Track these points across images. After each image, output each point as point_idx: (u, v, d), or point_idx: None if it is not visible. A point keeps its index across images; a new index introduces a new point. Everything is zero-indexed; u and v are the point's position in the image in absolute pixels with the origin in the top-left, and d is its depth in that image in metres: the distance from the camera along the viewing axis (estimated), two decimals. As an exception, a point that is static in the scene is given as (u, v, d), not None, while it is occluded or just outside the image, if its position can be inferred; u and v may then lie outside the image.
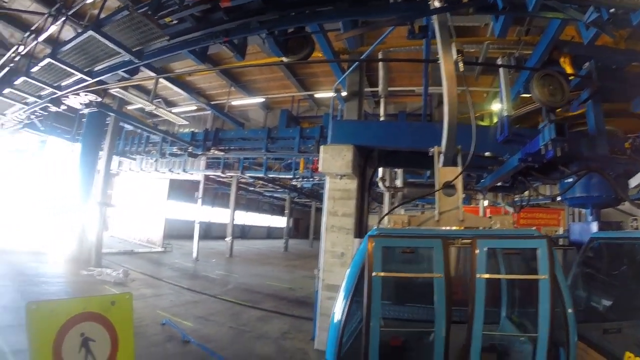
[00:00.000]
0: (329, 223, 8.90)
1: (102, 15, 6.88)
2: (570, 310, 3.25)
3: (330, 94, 11.38)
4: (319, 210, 42.04)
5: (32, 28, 10.75)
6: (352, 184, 8.83)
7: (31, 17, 13.63)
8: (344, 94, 9.94)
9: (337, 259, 8.70)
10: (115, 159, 25.66)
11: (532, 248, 3.32)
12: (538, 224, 15.11)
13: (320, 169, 8.92)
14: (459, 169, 4.52)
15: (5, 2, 13.95)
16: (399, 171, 12.04)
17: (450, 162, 4.76)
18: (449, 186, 4.36)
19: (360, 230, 8.92)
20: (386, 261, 3.54)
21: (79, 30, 7.27)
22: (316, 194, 34.68)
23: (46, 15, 9.72)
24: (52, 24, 9.00)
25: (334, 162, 8.47)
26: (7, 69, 11.65)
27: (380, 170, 11.47)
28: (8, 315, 9.50)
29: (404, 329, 4.76)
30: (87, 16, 7.82)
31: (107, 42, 6.83)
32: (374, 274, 3.38)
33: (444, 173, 4.52)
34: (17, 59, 10.99)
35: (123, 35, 6.82)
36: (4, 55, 12.50)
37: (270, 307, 12.92)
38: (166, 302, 12.78)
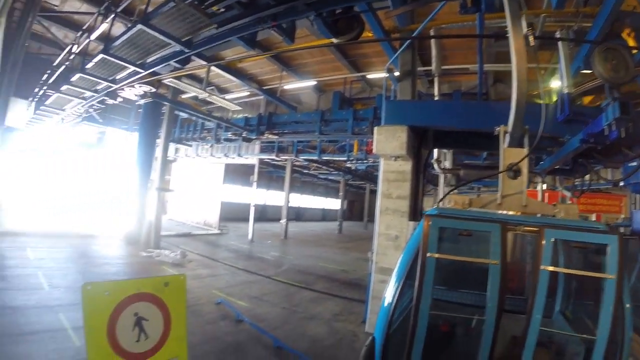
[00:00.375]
0: (383, 205, 8.79)
1: (150, 9, 7.00)
2: (628, 306, 3.04)
3: (382, 75, 11.11)
4: (373, 193, 41.75)
5: (84, 27, 11.26)
6: (407, 166, 8.64)
7: (82, 17, 14.47)
8: (396, 73, 9.67)
9: (391, 242, 8.61)
10: (172, 146, 26.78)
11: (600, 244, 3.09)
12: (598, 211, 14.11)
13: (374, 151, 8.80)
14: (526, 150, 4.28)
15: (57, 6, 14.88)
16: (448, 153, 11.64)
17: (516, 142, 4.48)
18: (513, 168, 4.14)
19: (415, 212, 8.72)
20: (441, 242, 3.42)
21: (129, 25, 7.46)
22: (370, 176, 34.39)
23: (96, 14, 10.12)
24: (102, 22, 9.33)
25: (388, 143, 8.29)
26: (63, 67, 12.37)
27: (435, 151, 11.15)
28: (71, 294, 10.14)
29: (453, 314, 4.59)
30: (136, 11, 8.00)
31: (156, 34, 6.98)
32: (428, 254, 3.29)
33: (509, 154, 4.30)
34: (71, 57, 11.56)
35: (171, 27, 6.94)
36: (59, 55, 13.22)
37: (323, 288, 13.06)
38: (222, 283, 13.19)
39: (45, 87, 15.49)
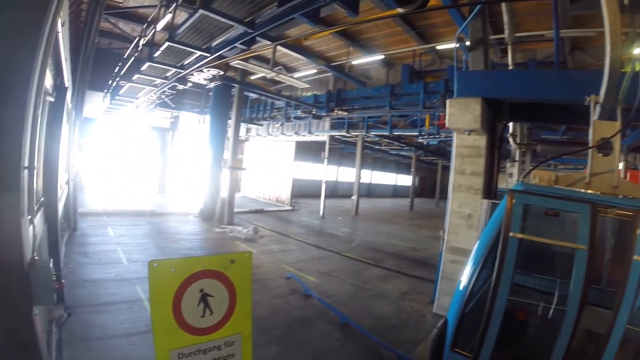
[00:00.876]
0: (456, 182, 8.41)
1: None
2: None
3: (452, 45, 10.45)
4: (445, 169, 40.45)
5: (149, 19, 11.61)
6: (481, 140, 8.15)
7: (147, 10, 15.07)
8: (467, 43, 9.03)
9: (464, 221, 8.23)
10: (243, 126, 27.60)
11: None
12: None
13: (447, 125, 8.42)
14: (618, 124, 3.79)
15: (122, 3, 15.76)
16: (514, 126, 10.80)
17: (607, 115, 3.98)
18: (604, 144, 3.67)
19: (489, 190, 8.25)
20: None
21: (191, 12, 7.56)
22: (442, 151, 33.31)
23: (159, 6, 10.40)
24: (165, 12, 9.56)
25: (462, 116, 7.88)
26: (132, 58, 13.02)
27: (511, 125, 10.43)
28: (147, 268, 10.79)
29: (530, 302, 4.25)
30: (198, -3, 8.11)
31: (217, 17, 6.98)
32: (510, 234, 3.05)
33: (599, 127, 3.82)
34: (140, 48, 12.10)
35: (232, 9, 6.91)
36: (129, 47, 13.94)
37: (392, 266, 12.89)
38: (292, 258, 13.45)
39: (117, 79, 16.50)
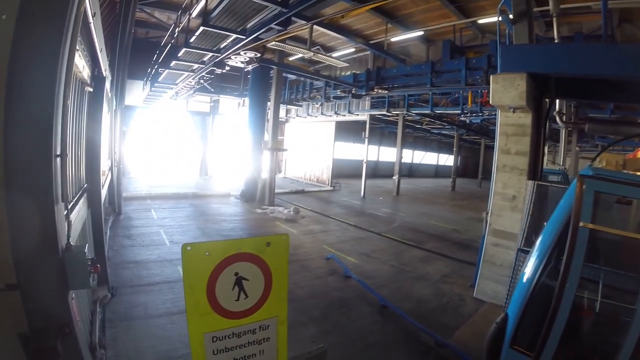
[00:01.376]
0: (501, 162, 8.10)
1: None
2: None
3: (494, 19, 9.91)
4: (488, 148, 39.09)
5: (183, 6, 11.78)
6: (527, 118, 7.78)
7: None
8: (510, 16, 8.53)
9: (508, 202, 7.94)
10: (283, 107, 27.64)
11: None
12: None
13: (490, 102, 8.10)
14: None
15: None
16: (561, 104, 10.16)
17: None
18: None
19: (535, 171, 7.90)
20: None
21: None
22: (485, 130, 32.21)
23: None
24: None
25: (506, 93, 7.55)
26: (169, 46, 13.25)
27: (557, 102, 9.87)
28: None
29: (594, 298, 3.96)
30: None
31: (251, -2, 6.95)
32: (580, 224, 2.83)
33: None
34: (175, 35, 12.27)
35: (265, -12, 6.87)
36: (165, 35, 14.16)
37: (433, 248, 12.68)
38: (332, 238, 13.46)
39: (156, 66, 16.85)
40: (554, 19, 8.76)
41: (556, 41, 8.79)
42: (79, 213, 5.25)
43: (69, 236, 2.72)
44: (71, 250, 2.56)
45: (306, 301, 7.89)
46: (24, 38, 2.07)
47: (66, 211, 2.69)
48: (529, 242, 6.99)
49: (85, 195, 6.18)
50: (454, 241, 13.15)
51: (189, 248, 2.28)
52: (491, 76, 7.93)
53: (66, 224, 2.69)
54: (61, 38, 2.21)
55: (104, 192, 8.69)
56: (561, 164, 12.16)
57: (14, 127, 2.10)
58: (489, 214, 8.27)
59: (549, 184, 7.81)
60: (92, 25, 4.30)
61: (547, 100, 8.21)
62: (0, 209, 2.08)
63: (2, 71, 2.03)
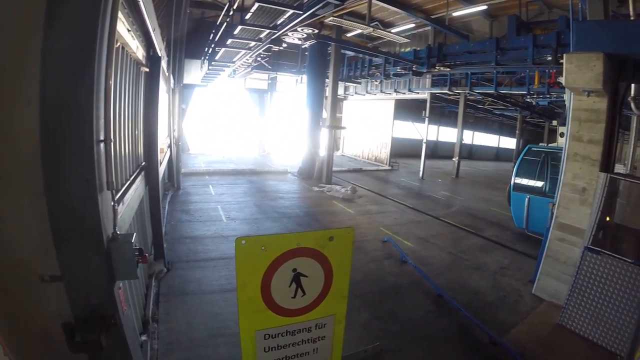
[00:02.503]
0: (571, 150, 7.45)
1: None
2: None
3: None
4: (552, 132, 36.76)
5: None
6: (602, 103, 7.03)
7: None
8: None
9: (577, 195, 7.33)
10: (341, 85, 27.27)
11: None
12: None
13: (564, 83, 7.41)
14: None
15: None
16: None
17: None
18: None
19: (608, 162, 7.18)
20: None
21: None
22: (550, 113, 30.11)
23: None
24: None
25: (581, 74, 6.85)
26: (225, 24, 13.17)
27: (632, 87, 8.94)
28: (245, 226, 11.36)
29: None
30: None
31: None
32: None
33: None
34: (231, 13, 12.14)
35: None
36: (221, 14, 14.16)
37: (493, 236, 12.11)
38: (389, 220, 13.24)
39: (212, 45, 16.97)
40: None
41: (632, 18, 7.87)
42: (136, 191, 5.34)
43: (115, 225, 2.67)
44: (117, 240, 2.51)
45: (360, 285, 7.80)
46: (58, 20, 1.96)
47: (112, 199, 2.63)
48: (596, 240, 6.49)
49: (143, 172, 6.31)
50: (515, 230, 12.42)
51: (243, 242, 2.11)
52: (565, 55, 7.26)
53: (112, 213, 2.63)
54: (97, 21, 2.09)
55: (162, 168, 8.91)
56: (631, 154, 11.06)
57: (50, 113, 2.01)
58: (556, 205, 7.68)
59: (622, 178, 7.11)
60: (141, 4, 4.23)
61: (624, 84, 7.39)
62: (40, 199, 2.03)
63: (36, 56, 1.94)
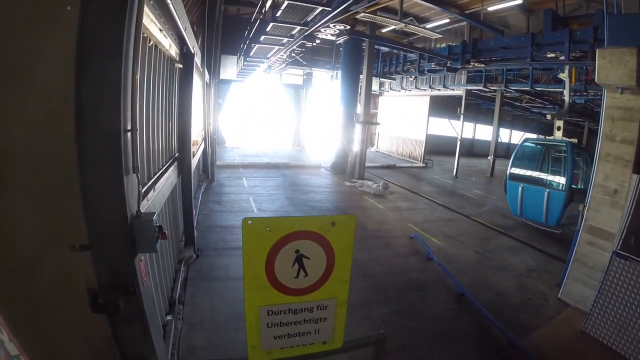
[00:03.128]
0: (604, 150, 7.24)
1: None
2: None
3: None
4: (592, 133, 35.27)
5: None
6: (636, 101, 6.80)
7: None
8: None
9: (608, 197, 7.12)
10: (376, 80, 27.24)
11: None
12: None
13: (596, 80, 7.23)
14: None
15: None
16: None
17: None
18: None
19: (642, 163, 6.95)
20: None
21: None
22: (590, 112, 28.82)
23: None
24: None
25: (614, 70, 6.67)
26: (258, 21, 13.56)
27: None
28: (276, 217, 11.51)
29: None
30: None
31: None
32: None
33: None
34: (264, 11, 12.47)
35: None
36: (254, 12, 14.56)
37: (522, 237, 11.90)
38: (419, 217, 13.24)
39: (247, 41, 17.40)
40: None
41: None
42: (168, 180, 5.68)
43: (139, 204, 2.94)
44: (140, 217, 2.79)
45: (383, 279, 7.92)
46: (89, 25, 2.25)
47: (138, 182, 2.91)
48: (627, 246, 6.26)
49: (176, 163, 6.66)
50: (546, 232, 12.16)
51: (249, 222, 2.32)
52: (597, 50, 7.05)
53: (137, 193, 2.91)
54: (124, 20, 2.36)
55: (195, 160, 9.28)
56: None
57: (85, 106, 2.30)
58: (587, 207, 7.47)
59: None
60: (171, 6, 4.51)
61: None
62: (74, 178, 2.32)
63: (70, 59, 2.23)
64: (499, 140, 28.39)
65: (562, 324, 6.70)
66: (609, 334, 6.02)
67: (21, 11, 2.08)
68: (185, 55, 6.79)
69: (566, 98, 12.98)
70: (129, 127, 2.59)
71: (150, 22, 4.02)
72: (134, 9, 2.43)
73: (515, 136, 49.71)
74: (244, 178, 17.21)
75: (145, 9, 3.28)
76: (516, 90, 23.26)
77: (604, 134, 7.27)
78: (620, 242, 6.30)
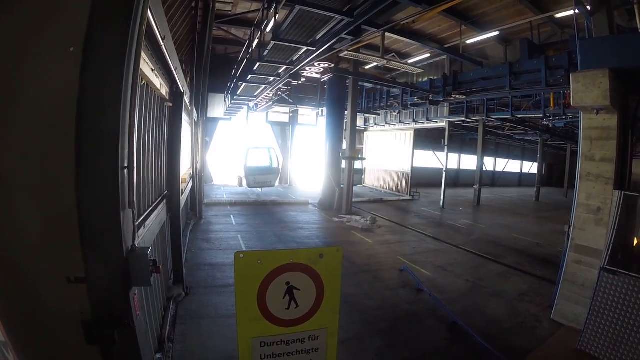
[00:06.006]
0: (584, 170, 7.48)
1: None
2: None
3: (571, 12, 9.17)
4: (574, 154, 36.22)
5: (255, 22, 12.44)
6: (612, 120, 7.10)
7: (254, 15, 15.99)
8: (588, 7, 7.86)
9: (592, 215, 7.30)
10: (360, 116, 27.84)
11: None
12: None
13: (571, 103, 7.57)
14: None
15: (230, 11, 17.28)
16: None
17: None
18: None
19: (622, 179, 7.17)
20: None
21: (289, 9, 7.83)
22: (571, 134, 29.69)
23: (262, 9, 10.98)
24: (268, 14, 10.05)
25: (588, 92, 6.98)
26: (245, 60, 14.07)
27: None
28: None
29: None
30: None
31: (314, 10, 7.19)
32: None
33: None
34: (250, 50, 12.93)
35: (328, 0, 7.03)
36: (241, 51, 15.11)
37: (512, 262, 11.99)
38: (408, 249, 13.24)
39: (234, 80, 17.88)
40: (636, 6, 7.98)
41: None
42: (158, 217, 5.70)
43: (134, 239, 3.00)
44: (135, 251, 2.84)
45: (375, 312, 7.87)
46: (91, 67, 2.37)
47: (133, 217, 2.97)
48: (613, 261, 6.41)
49: (165, 200, 6.70)
50: (536, 256, 12.30)
51: (241, 256, 2.43)
52: (571, 75, 7.42)
53: (132, 228, 2.97)
54: (123, 66, 2.50)
55: (184, 198, 9.31)
56: None
57: (85, 143, 2.41)
58: (572, 227, 7.65)
59: (638, 195, 7.11)
60: (163, 47, 4.69)
61: (635, 98, 7.45)
62: (73, 213, 2.40)
63: (73, 96, 2.35)
64: (484, 169, 28.77)
65: (557, 344, 6.73)
66: (604, 349, 6.07)
67: (25, 52, 2.21)
68: (175, 94, 6.95)
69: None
70: (126, 164, 2.69)
71: (143, 63, 4.18)
72: (132, 53, 2.57)
73: (499, 164, 50.65)
74: (232, 216, 17.18)
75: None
76: (498, 119, 23.89)
77: (583, 154, 7.53)
78: (607, 258, 6.45)
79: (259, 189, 23.69)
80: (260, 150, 23.20)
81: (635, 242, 7.01)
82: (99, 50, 2.38)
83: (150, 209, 5.35)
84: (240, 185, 25.93)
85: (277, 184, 24.41)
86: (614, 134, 7.09)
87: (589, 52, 7.21)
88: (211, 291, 8.45)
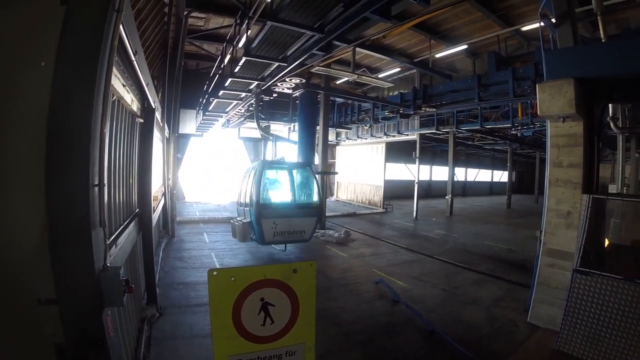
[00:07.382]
0: (553, 176, 7.71)
1: (275, 5, 7.24)
2: None
3: (537, 25, 9.58)
4: (543, 162, 37.43)
5: (227, 38, 12.47)
6: (578, 127, 7.38)
7: (227, 30, 15.97)
8: (552, 20, 8.22)
9: (562, 219, 7.52)
10: (332, 131, 27.93)
11: None
12: None
13: (538, 113, 7.74)
14: None
15: (202, 26, 17.30)
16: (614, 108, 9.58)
17: None
18: None
19: (590, 183, 7.44)
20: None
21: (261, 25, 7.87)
22: (539, 142, 30.74)
23: (234, 24, 11.07)
24: (240, 29, 10.16)
25: (554, 101, 7.20)
26: (217, 76, 14.07)
27: (610, 107, 9.37)
28: None
29: None
30: (267, 10, 8.39)
31: (286, 26, 7.23)
32: None
33: None
34: (222, 66, 12.93)
35: (299, 16, 7.09)
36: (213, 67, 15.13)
37: (487, 269, 12.16)
38: (383, 261, 13.26)
39: (206, 96, 17.81)
40: (599, 18, 8.36)
41: (603, 41, 8.36)
42: (129, 236, 5.56)
43: (105, 258, 2.92)
44: (107, 271, 2.76)
45: (352, 326, 7.80)
46: (62, 82, 2.32)
47: (104, 236, 2.89)
48: (585, 262, 6.60)
49: (136, 219, 6.54)
50: (509, 262, 12.54)
51: (214, 273, 2.40)
52: (537, 85, 7.66)
53: (104, 247, 2.89)
54: (94, 82, 2.47)
55: (155, 216, 9.12)
56: (620, 173, 11.31)
57: (56, 160, 2.35)
58: (543, 232, 7.85)
59: (606, 197, 7.34)
60: (135, 63, 4.63)
61: (599, 105, 7.77)
62: (44, 232, 2.31)
63: (43, 111, 2.31)
64: (456, 180, 29.30)
65: (535, 346, 6.83)
66: (581, 347, 6.20)
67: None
68: (147, 110, 6.84)
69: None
70: (96, 182, 2.62)
71: (115, 78, 4.11)
72: (103, 69, 2.53)
73: (470, 174, 51.67)
74: (204, 233, 16.91)
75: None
76: (467, 130, 24.39)
77: (551, 161, 7.76)
78: (579, 260, 6.62)
79: (280, 248, 14.07)
80: (284, 172, 13.87)
81: (606, 242, 7.25)
82: (70, 66, 2.34)
83: (122, 227, 5.21)
84: (234, 236, 13.25)
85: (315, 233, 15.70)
86: (580, 141, 7.35)
87: (554, 63, 7.47)
88: (185, 310, 8.24)
